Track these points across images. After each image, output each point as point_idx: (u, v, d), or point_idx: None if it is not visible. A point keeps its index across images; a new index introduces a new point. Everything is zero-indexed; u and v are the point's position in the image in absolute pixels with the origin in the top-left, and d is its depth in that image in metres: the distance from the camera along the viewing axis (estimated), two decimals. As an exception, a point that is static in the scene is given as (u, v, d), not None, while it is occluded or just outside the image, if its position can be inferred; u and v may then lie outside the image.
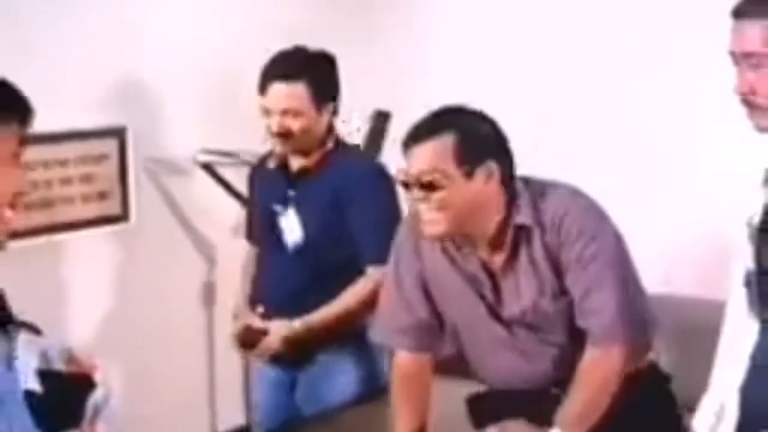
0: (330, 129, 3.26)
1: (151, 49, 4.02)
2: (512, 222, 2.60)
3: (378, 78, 4.49)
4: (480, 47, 4.64)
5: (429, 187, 2.53)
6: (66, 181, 3.88)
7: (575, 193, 2.68)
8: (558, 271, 2.61)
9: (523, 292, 2.63)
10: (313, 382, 3.28)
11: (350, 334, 3.18)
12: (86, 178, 3.94)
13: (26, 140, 2.09)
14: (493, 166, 2.57)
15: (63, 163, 3.86)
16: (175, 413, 4.08)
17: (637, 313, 2.62)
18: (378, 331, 2.87)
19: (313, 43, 3.25)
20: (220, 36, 4.25)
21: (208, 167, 4.14)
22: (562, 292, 2.61)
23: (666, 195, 4.21)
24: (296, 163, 3.26)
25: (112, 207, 4.01)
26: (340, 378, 3.25)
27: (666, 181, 4.22)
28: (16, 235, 3.57)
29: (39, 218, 3.77)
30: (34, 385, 2.74)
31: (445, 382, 2.87)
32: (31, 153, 3.66)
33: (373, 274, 3.15)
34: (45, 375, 2.77)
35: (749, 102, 2.15)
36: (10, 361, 2.37)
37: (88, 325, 3.86)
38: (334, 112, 3.26)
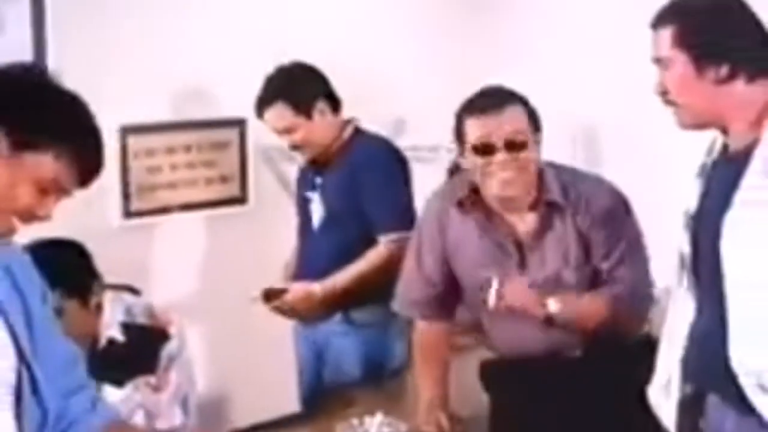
0: (345, 121, 3.65)
1: (276, 47, 4.37)
2: (544, 197, 2.87)
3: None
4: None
5: (519, 146, 2.82)
6: (190, 166, 4.33)
7: (602, 180, 2.97)
8: (585, 247, 2.87)
9: (548, 262, 2.90)
10: (335, 359, 3.64)
11: (368, 318, 3.56)
12: (209, 164, 4.38)
13: (64, 188, 2.01)
14: (541, 137, 2.89)
15: (187, 149, 4.32)
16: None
17: (644, 288, 2.87)
18: (398, 302, 3.19)
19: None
20: (342, 34, 4.62)
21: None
22: (585, 264, 2.88)
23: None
24: (321, 156, 3.66)
25: (233, 190, 4.45)
26: (358, 357, 3.59)
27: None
28: (142, 213, 4.13)
29: (164, 198, 4.25)
30: (117, 335, 3.16)
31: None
32: (158, 140, 4.20)
33: (384, 242, 3.51)
34: (128, 327, 3.18)
35: (667, 101, 2.37)
36: None
37: (204, 295, 4.28)
38: (335, 108, 3.64)
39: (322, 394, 3.55)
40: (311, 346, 3.73)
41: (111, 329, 3.15)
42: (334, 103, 3.69)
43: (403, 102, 4.73)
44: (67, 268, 3.08)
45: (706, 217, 2.35)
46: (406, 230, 3.39)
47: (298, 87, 3.63)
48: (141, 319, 3.22)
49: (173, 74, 4.17)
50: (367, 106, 4.48)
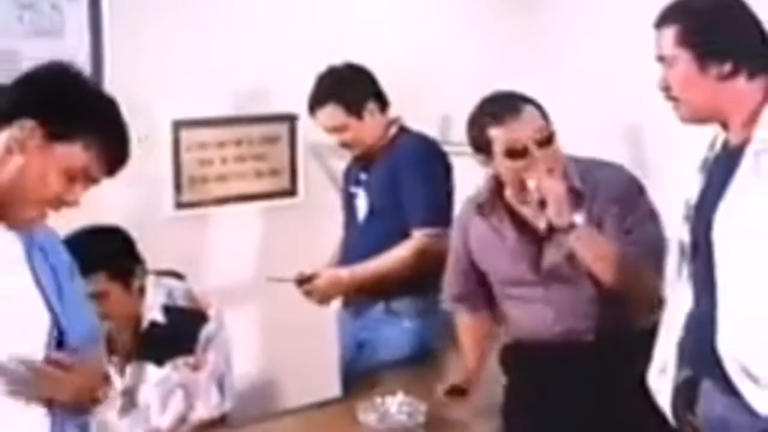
0: (391, 120, 3.81)
1: (326, 46, 4.47)
2: (566, 185, 2.99)
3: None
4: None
5: (548, 141, 2.97)
6: (241, 159, 4.50)
7: (616, 166, 3.11)
8: (597, 228, 2.98)
9: (563, 245, 3.01)
10: (376, 346, 3.79)
11: (408, 308, 3.74)
12: (259, 157, 4.54)
13: (92, 176, 2.19)
14: None
15: (238, 143, 4.49)
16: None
17: (653, 257, 2.97)
18: (444, 298, 3.40)
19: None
20: (391, 33, 4.75)
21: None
22: None
23: None
24: (367, 153, 3.82)
25: (282, 183, 4.61)
26: (398, 345, 3.75)
27: None
28: (193, 204, 4.31)
29: (215, 190, 4.42)
30: (159, 317, 3.34)
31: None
32: (209, 134, 4.37)
33: (417, 236, 3.66)
34: (169, 309, 3.37)
35: (669, 97, 2.48)
36: None
37: (254, 283, 4.43)
38: (383, 108, 3.79)
39: (360, 379, 3.70)
40: (353, 333, 3.89)
41: (153, 311, 3.34)
42: (383, 103, 3.84)
43: (451, 99, 4.84)
44: (111, 252, 3.27)
45: (703, 209, 2.46)
46: (441, 226, 3.58)
47: (349, 88, 3.78)
48: (181, 302, 3.40)
49: (225, 71, 4.31)
50: (416, 103, 4.65)
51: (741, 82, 2.41)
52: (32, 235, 2.22)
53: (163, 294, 3.38)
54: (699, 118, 2.49)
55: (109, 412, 3.25)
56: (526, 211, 3.07)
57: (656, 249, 2.98)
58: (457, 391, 3.32)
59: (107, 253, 3.25)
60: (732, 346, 2.37)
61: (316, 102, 3.80)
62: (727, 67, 2.40)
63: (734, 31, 2.43)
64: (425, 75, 4.81)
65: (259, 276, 4.28)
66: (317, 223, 4.59)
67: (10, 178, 2.11)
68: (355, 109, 3.75)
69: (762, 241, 2.30)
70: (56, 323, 2.22)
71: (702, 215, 2.45)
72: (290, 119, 4.56)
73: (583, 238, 2.93)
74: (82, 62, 3.96)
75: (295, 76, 4.07)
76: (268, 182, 4.57)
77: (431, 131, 4.61)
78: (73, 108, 2.16)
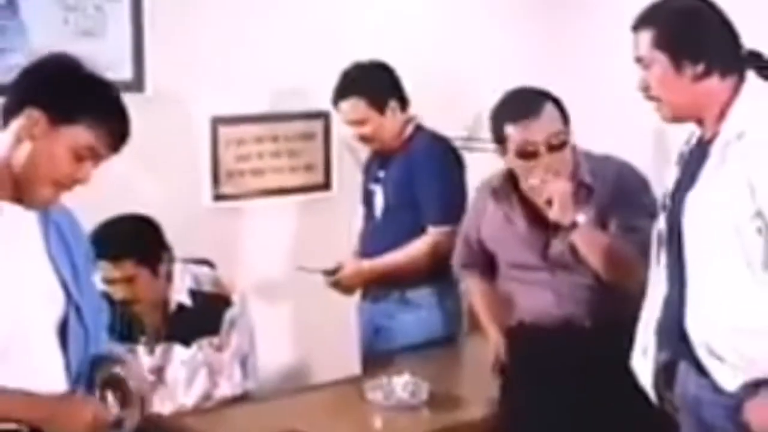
0: (408, 119, 3.97)
1: (360, 45, 4.54)
2: (578, 178, 3.15)
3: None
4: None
5: (559, 147, 3.12)
6: (277, 154, 4.70)
7: (625, 164, 3.26)
8: (602, 222, 3.14)
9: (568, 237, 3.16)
10: (391, 332, 3.99)
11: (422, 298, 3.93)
12: (295, 153, 4.73)
13: (98, 153, 2.34)
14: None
15: (275, 139, 4.68)
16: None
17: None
18: (455, 266, 3.61)
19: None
20: (424, 32, 4.92)
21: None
22: None
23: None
24: (385, 150, 4.01)
25: (317, 177, 4.80)
26: (412, 331, 3.94)
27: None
28: (230, 197, 4.51)
29: (252, 184, 4.63)
30: (186, 300, 3.55)
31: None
32: (247, 130, 4.57)
33: (432, 233, 3.87)
34: (195, 294, 3.57)
35: (649, 97, 2.62)
36: None
37: (287, 273, 4.60)
38: (403, 107, 3.95)
39: (375, 362, 3.90)
40: (371, 320, 4.09)
41: (180, 295, 3.54)
42: (403, 102, 4.02)
43: (481, 96, 4.98)
44: (140, 239, 3.48)
45: (676, 199, 2.61)
46: (454, 223, 3.76)
47: (374, 83, 3.97)
48: (207, 287, 3.60)
49: (263, 70, 4.51)
50: (447, 100, 4.82)
51: (714, 81, 2.56)
52: (49, 215, 2.40)
53: (190, 279, 3.58)
54: (678, 116, 2.64)
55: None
56: (538, 201, 3.23)
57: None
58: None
59: (136, 240, 3.46)
60: (699, 327, 2.52)
61: (340, 94, 3.98)
62: (701, 67, 2.55)
63: (707, 34, 2.57)
64: (456, 73, 4.97)
65: (292, 266, 4.45)
66: (350, 216, 4.77)
67: (23, 162, 2.29)
68: (377, 104, 3.93)
69: (724, 228, 2.45)
70: (70, 299, 2.40)
71: (675, 204, 2.60)
72: (325, 116, 4.72)
73: (585, 236, 3.10)
74: (125, 61, 4.20)
75: (331, 75, 4.18)
76: (303, 177, 4.75)
77: (461, 128, 4.81)
78: (72, 92, 2.33)
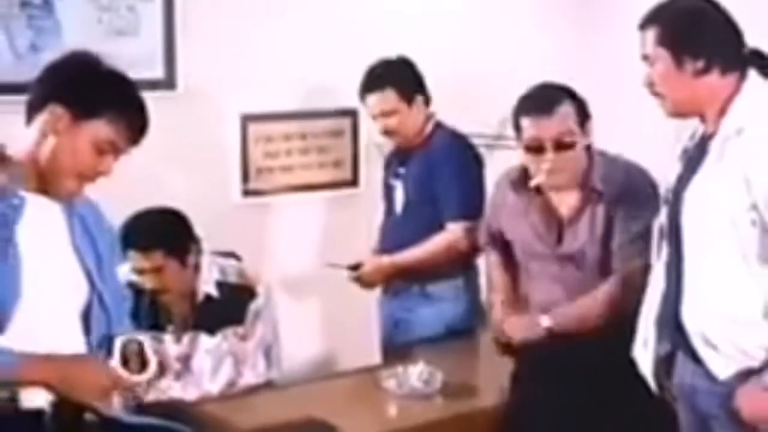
0: (429, 116, 4.07)
1: (389, 44, 4.55)
2: (588, 183, 3.24)
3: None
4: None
5: (567, 146, 3.22)
6: (305, 151, 4.82)
7: (641, 170, 3.36)
8: (609, 225, 3.22)
9: (578, 238, 3.30)
10: (411, 325, 4.11)
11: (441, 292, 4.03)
12: (323, 149, 4.85)
13: (119, 146, 2.48)
14: (590, 127, 3.31)
15: (303, 136, 4.79)
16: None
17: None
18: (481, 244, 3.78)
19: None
20: (454, 32, 5.01)
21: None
22: (604, 244, 3.25)
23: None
24: (406, 146, 4.11)
25: (345, 174, 4.91)
26: (432, 324, 4.05)
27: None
28: (259, 192, 4.63)
29: (280, 180, 4.74)
30: (213, 291, 3.66)
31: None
32: (276, 127, 4.69)
33: (451, 229, 3.96)
34: (221, 285, 3.68)
35: (654, 93, 2.72)
36: None
37: (315, 267, 4.71)
38: (427, 103, 4.05)
39: (395, 353, 4.00)
40: (391, 313, 4.21)
41: (208, 286, 3.65)
42: (427, 99, 4.12)
43: (509, 96, 5.06)
44: (169, 231, 3.60)
45: (677, 193, 2.69)
46: (473, 219, 3.88)
47: (404, 76, 4.08)
48: (232, 278, 3.71)
49: (292, 68, 4.62)
50: (475, 99, 4.90)
51: (714, 77, 2.65)
52: (73, 208, 2.53)
53: (217, 271, 3.69)
54: (681, 111, 2.73)
55: (166, 378, 3.60)
56: (553, 195, 3.33)
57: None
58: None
59: (165, 232, 3.58)
60: (695, 317, 2.62)
61: (371, 86, 4.07)
62: (700, 63, 2.64)
63: (708, 32, 2.66)
64: (483, 70, 5.04)
65: (319, 261, 4.56)
66: (376, 213, 4.86)
67: (47, 157, 2.43)
68: (407, 97, 4.03)
69: (721, 221, 2.55)
70: (93, 288, 2.53)
71: (676, 199, 2.69)
72: (353, 114, 4.83)
73: (560, 323, 3.30)
74: (157, 60, 4.34)
75: (359, 73, 4.27)
76: (331, 173, 4.86)
77: (488, 126, 4.88)
78: (92, 89, 2.46)
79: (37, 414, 2.41)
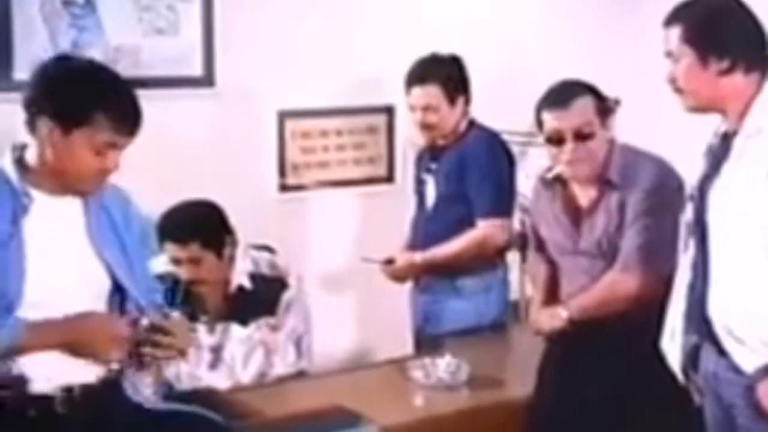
0: (464, 114, 4.12)
1: (426, 43, 4.59)
2: (605, 175, 3.30)
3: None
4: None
5: (586, 137, 3.29)
6: (341, 148, 4.90)
7: (662, 162, 3.39)
8: (622, 218, 3.31)
9: (595, 229, 3.37)
10: (441, 318, 4.17)
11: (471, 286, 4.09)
12: (359, 146, 4.92)
13: (117, 143, 2.52)
14: (611, 122, 3.37)
15: (339, 133, 4.88)
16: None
17: (657, 252, 3.23)
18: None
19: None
20: (492, 31, 5.07)
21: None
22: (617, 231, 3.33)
23: None
24: (439, 142, 4.15)
25: (380, 170, 4.98)
26: (462, 318, 4.11)
27: None
28: (295, 187, 4.71)
29: (316, 176, 4.82)
30: (246, 282, 3.75)
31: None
32: (312, 124, 4.77)
33: (482, 225, 4.02)
34: (254, 276, 3.76)
35: (676, 89, 2.75)
36: None
37: (349, 261, 4.78)
38: (467, 102, 4.10)
39: (424, 345, 4.11)
40: (421, 307, 4.27)
41: (241, 277, 3.74)
42: (468, 100, 4.18)
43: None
44: (205, 224, 3.68)
45: (703, 190, 2.74)
46: (503, 217, 3.94)
47: (453, 76, 4.13)
48: (265, 270, 3.79)
49: (328, 65, 4.69)
50: (512, 96, 4.93)
51: (738, 76, 2.68)
52: (94, 202, 2.61)
53: (250, 263, 3.77)
54: (700, 107, 2.76)
55: (199, 367, 3.70)
56: (575, 188, 3.39)
57: (657, 252, 3.23)
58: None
59: (201, 225, 3.67)
60: (720, 311, 2.66)
61: (418, 78, 4.10)
62: (725, 63, 2.67)
63: (733, 31, 2.69)
64: (521, 68, 5.09)
65: (354, 255, 4.66)
66: (412, 208, 4.93)
67: (53, 164, 2.51)
68: (450, 96, 4.08)
69: (745, 218, 2.58)
70: (114, 280, 2.61)
71: (702, 196, 2.73)
72: (389, 110, 4.91)
73: (578, 311, 3.35)
74: (196, 58, 4.43)
75: (396, 70, 4.33)
76: (366, 169, 4.94)
77: (525, 123, 4.91)
78: (73, 98, 2.48)
79: (48, 399, 2.49)
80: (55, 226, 2.55)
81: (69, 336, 2.47)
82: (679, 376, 2.86)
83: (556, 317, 3.36)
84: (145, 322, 2.59)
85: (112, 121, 2.48)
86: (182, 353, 2.72)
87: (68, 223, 2.58)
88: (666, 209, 3.20)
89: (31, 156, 2.53)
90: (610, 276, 3.33)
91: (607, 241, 3.32)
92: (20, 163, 2.53)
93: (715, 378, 2.72)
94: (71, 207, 2.59)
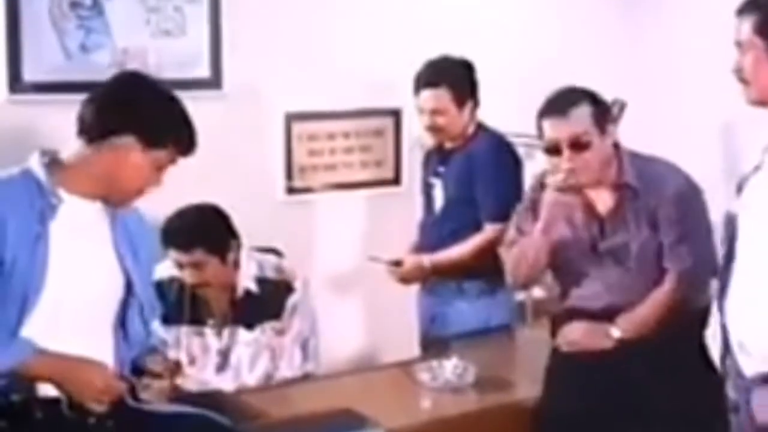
0: (473, 117, 4.12)
1: (434, 45, 4.56)
2: (622, 179, 3.29)
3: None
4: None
5: (583, 146, 3.27)
6: (348, 150, 4.89)
7: (673, 166, 3.40)
8: (652, 223, 3.29)
9: (619, 233, 3.36)
10: (447, 320, 4.19)
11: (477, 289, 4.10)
12: (366, 148, 4.91)
13: (175, 161, 2.74)
14: (612, 128, 3.35)
15: (346, 135, 4.87)
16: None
17: (702, 268, 3.24)
18: None
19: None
20: (505, 34, 5.07)
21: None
22: (651, 238, 3.32)
23: None
24: (447, 145, 4.16)
25: (387, 173, 4.97)
26: (467, 320, 4.14)
27: None
28: (302, 190, 4.71)
29: (323, 178, 4.82)
30: (252, 286, 3.74)
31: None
32: (319, 126, 4.77)
33: (489, 229, 4.02)
34: (260, 280, 3.76)
35: (741, 79, 2.70)
36: None
37: (356, 264, 4.75)
38: (475, 106, 4.10)
39: (431, 347, 4.10)
40: (428, 309, 4.29)
41: (247, 281, 3.73)
42: (476, 104, 4.17)
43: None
44: (209, 229, 3.67)
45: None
46: (509, 221, 3.88)
47: (462, 79, 4.13)
48: (270, 274, 3.79)
49: (335, 68, 4.68)
50: (522, 99, 4.92)
51: None
52: (117, 213, 2.72)
53: (256, 266, 3.77)
54: (764, 99, 2.71)
55: (207, 370, 3.70)
56: (592, 194, 3.38)
57: (702, 265, 3.24)
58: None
59: (205, 230, 3.66)
60: (734, 325, 2.64)
61: (428, 82, 4.10)
62: None
63: None
64: (530, 70, 5.09)
65: (360, 257, 4.63)
66: (418, 211, 4.93)
67: (113, 176, 2.64)
68: (459, 100, 4.08)
69: (760, 233, 2.56)
70: (130, 288, 2.71)
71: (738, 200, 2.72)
72: (396, 113, 4.90)
73: (629, 331, 3.31)
74: (203, 59, 4.42)
75: (403, 72, 4.34)
76: (373, 172, 4.92)
77: (532, 126, 4.90)
78: (159, 122, 2.68)
79: (54, 402, 2.59)
80: (83, 228, 2.65)
81: (64, 376, 2.59)
82: (719, 368, 2.83)
83: (606, 337, 3.32)
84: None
85: (183, 145, 2.70)
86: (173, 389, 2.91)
87: (95, 228, 2.69)
88: (701, 217, 3.27)
89: (69, 160, 2.64)
90: (664, 295, 3.32)
91: (632, 246, 3.31)
92: (51, 166, 2.63)
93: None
94: (99, 213, 2.70)
